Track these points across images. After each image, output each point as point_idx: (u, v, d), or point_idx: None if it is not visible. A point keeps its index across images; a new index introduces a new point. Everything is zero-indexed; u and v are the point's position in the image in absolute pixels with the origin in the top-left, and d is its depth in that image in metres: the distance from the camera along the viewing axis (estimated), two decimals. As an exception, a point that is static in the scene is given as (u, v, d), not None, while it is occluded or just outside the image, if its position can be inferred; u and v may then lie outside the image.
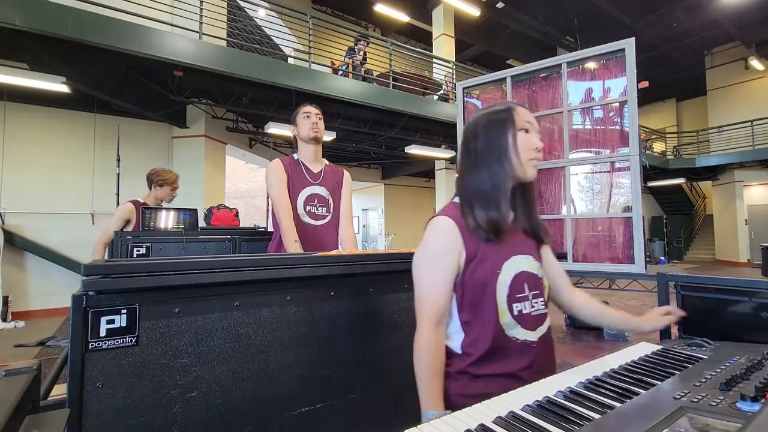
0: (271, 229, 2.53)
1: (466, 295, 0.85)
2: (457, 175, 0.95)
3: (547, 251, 1.02)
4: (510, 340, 0.84)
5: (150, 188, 3.19)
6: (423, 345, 0.83)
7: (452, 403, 0.83)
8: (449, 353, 0.87)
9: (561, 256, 3.69)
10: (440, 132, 7.22)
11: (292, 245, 1.68)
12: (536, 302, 0.89)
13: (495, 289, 0.84)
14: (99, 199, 5.65)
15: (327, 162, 1.98)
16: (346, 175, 2.02)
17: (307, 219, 1.83)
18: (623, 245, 3.40)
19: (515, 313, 0.85)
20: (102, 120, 5.75)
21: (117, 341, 0.83)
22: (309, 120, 1.88)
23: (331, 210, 1.90)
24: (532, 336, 0.87)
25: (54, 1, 3.57)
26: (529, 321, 0.87)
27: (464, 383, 0.84)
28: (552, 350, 0.95)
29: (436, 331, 0.84)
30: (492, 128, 0.89)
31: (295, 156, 1.91)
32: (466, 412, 0.64)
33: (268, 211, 1.87)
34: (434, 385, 0.81)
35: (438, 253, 0.85)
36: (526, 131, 0.88)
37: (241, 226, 4.45)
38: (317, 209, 1.86)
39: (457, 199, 0.94)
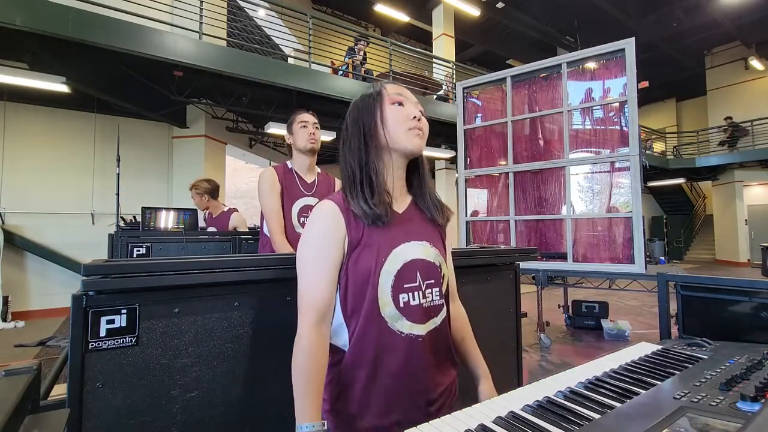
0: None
1: (349, 286, 0.78)
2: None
3: (448, 246, 0.95)
4: (394, 333, 0.77)
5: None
6: (300, 345, 0.75)
7: (334, 408, 0.80)
8: (334, 351, 0.81)
9: (561, 256, 3.69)
10: (440, 132, 7.22)
11: None
12: (430, 292, 0.82)
13: (378, 279, 0.77)
14: (99, 199, 5.65)
15: (319, 170, 1.97)
16: (338, 182, 2.03)
17: (301, 230, 1.83)
18: (623, 245, 3.40)
19: (401, 304, 0.78)
20: (102, 120, 5.75)
21: (117, 341, 0.83)
22: (306, 130, 1.83)
23: None
24: (420, 329, 0.79)
25: (54, 1, 3.57)
26: (417, 313, 0.79)
27: (345, 386, 0.79)
28: (446, 345, 0.86)
29: (318, 329, 0.76)
30: (362, 111, 0.87)
31: (289, 164, 1.90)
32: (466, 412, 0.64)
33: (263, 220, 1.85)
34: (311, 393, 0.73)
35: (319, 240, 0.79)
36: (399, 104, 0.85)
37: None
38: None
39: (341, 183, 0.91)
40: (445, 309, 0.86)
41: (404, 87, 0.90)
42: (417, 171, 0.92)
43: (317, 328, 0.76)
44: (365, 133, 0.84)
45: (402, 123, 0.83)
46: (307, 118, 1.86)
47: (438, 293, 0.84)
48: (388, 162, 0.85)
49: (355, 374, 0.78)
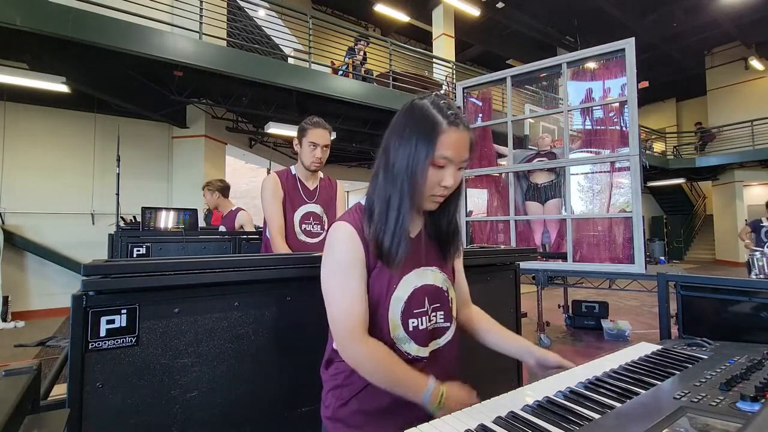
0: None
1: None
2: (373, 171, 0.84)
3: (458, 262, 0.95)
4: (402, 354, 0.79)
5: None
6: (367, 354, 0.74)
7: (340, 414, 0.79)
8: (338, 359, 0.82)
9: (561, 256, 3.69)
10: (440, 132, 7.22)
11: None
12: (435, 315, 0.83)
13: (388, 305, 0.78)
14: (99, 199, 5.65)
15: (322, 175, 1.97)
16: (340, 187, 2.04)
17: (303, 237, 1.85)
18: (623, 245, 3.40)
19: (410, 328, 0.80)
20: (102, 120, 5.75)
21: (117, 341, 0.83)
22: (313, 151, 1.81)
23: (325, 227, 1.91)
24: (424, 352, 0.81)
25: (54, 1, 3.57)
26: (422, 336, 0.81)
27: (348, 396, 0.80)
28: (447, 365, 0.86)
29: (369, 338, 0.76)
30: (412, 146, 0.75)
31: (293, 170, 1.90)
32: (466, 412, 0.64)
33: (266, 224, 1.88)
34: (407, 370, 0.74)
35: (349, 263, 0.77)
36: (441, 167, 0.75)
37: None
38: (312, 227, 1.88)
39: (363, 201, 0.85)
40: (450, 331, 0.87)
41: (464, 130, 0.76)
42: (448, 208, 0.85)
43: (368, 337, 0.76)
44: (409, 174, 0.75)
45: (431, 188, 0.77)
46: (319, 138, 1.81)
47: (443, 316, 0.85)
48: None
49: (359, 386, 0.79)
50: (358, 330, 0.75)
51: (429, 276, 0.84)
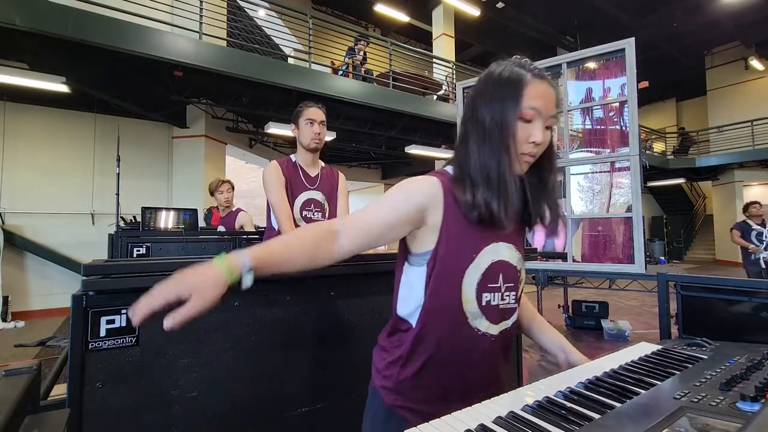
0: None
1: (435, 273, 0.75)
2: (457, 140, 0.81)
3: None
4: (471, 329, 0.77)
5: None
6: (328, 235, 0.73)
7: (395, 390, 0.78)
8: (403, 329, 0.80)
9: (561, 256, 3.69)
10: (440, 132, 7.22)
11: None
12: (507, 295, 0.81)
13: (465, 273, 0.75)
14: (99, 199, 5.65)
15: (323, 164, 1.96)
16: (341, 177, 2.01)
17: (303, 224, 1.83)
18: (623, 245, 3.40)
19: (483, 303, 0.77)
20: (102, 120, 5.75)
21: (117, 341, 0.83)
22: (311, 128, 1.82)
23: (327, 215, 1.89)
24: (494, 329, 0.79)
25: (54, 1, 3.57)
26: (495, 314, 0.79)
27: (412, 370, 0.78)
28: (509, 348, 0.87)
29: (350, 251, 0.74)
30: (498, 100, 0.74)
31: (293, 158, 1.89)
32: (466, 412, 0.64)
33: (269, 212, 1.86)
34: (271, 243, 0.70)
35: (409, 194, 0.75)
36: (529, 121, 0.73)
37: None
38: (313, 214, 1.85)
39: (449, 169, 0.82)
40: (517, 312, 0.86)
41: (549, 85, 0.75)
42: (543, 171, 0.81)
43: (351, 249, 0.74)
44: (500, 128, 0.73)
45: (520, 145, 0.74)
46: (314, 114, 1.82)
47: (514, 296, 0.83)
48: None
49: (422, 360, 0.78)
50: (359, 235, 0.74)
51: (505, 252, 0.80)
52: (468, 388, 0.78)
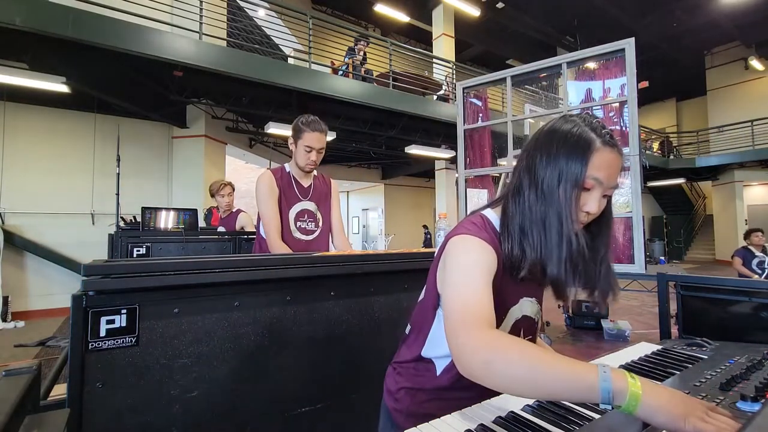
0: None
1: None
2: (506, 184, 0.79)
3: None
4: None
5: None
6: (503, 343, 0.56)
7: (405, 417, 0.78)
8: (424, 364, 0.80)
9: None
10: (440, 132, 7.22)
11: None
12: (531, 328, 0.85)
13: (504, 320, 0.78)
14: (99, 199, 5.65)
15: (316, 173, 1.97)
16: (334, 185, 2.03)
17: (298, 235, 1.84)
18: (623, 245, 3.40)
19: None
20: (102, 120, 5.75)
21: (117, 341, 0.83)
22: (308, 156, 1.81)
23: (320, 224, 1.91)
24: None
25: (54, 1, 3.57)
26: None
27: (425, 399, 0.79)
28: None
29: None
30: (565, 159, 0.68)
31: (287, 167, 1.90)
32: (465, 413, 0.64)
33: (260, 221, 1.86)
34: (559, 357, 0.53)
35: (482, 267, 0.68)
36: (587, 189, 0.69)
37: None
38: (307, 224, 1.88)
39: (490, 215, 0.77)
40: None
41: (618, 154, 0.69)
42: (596, 238, 0.75)
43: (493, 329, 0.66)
44: (563, 192, 0.68)
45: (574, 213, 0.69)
46: (314, 142, 1.79)
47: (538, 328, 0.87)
48: None
49: (438, 398, 0.78)
50: (487, 321, 0.62)
51: (527, 308, 0.81)
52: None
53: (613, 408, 0.49)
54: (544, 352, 0.54)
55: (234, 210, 3.55)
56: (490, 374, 0.54)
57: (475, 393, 0.69)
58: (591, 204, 0.69)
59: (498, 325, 0.72)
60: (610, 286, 0.76)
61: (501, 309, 0.73)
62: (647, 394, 0.49)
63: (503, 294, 0.73)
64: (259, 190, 1.80)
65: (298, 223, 1.85)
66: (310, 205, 1.89)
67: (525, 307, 0.79)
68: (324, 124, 1.85)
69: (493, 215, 0.78)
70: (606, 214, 0.75)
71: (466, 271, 0.67)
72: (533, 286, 0.81)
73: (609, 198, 0.72)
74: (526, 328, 0.81)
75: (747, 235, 4.90)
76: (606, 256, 0.76)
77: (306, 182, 1.91)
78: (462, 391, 0.76)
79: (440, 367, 0.79)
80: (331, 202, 1.97)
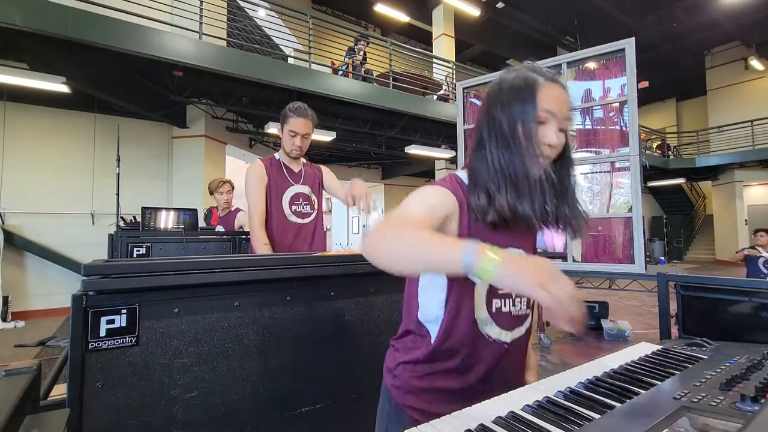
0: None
1: (455, 281, 0.76)
2: (469, 146, 0.81)
3: None
4: (482, 336, 0.78)
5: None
6: (397, 224, 0.66)
7: (403, 391, 0.79)
8: (420, 333, 0.81)
9: (561, 256, 3.69)
10: (440, 132, 7.22)
11: (262, 248, 1.73)
12: (519, 300, 0.82)
13: (475, 282, 0.75)
14: (99, 199, 5.65)
15: (305, 161, 1.98)
16: (326, 171, 2.03)
17: (294, 218, 1.85)
18: (623, 245, 3.40)
19: (493, 309, 0.78)
20: (102, 120, 5.75)
21: (117, 341, 0.83)
22: (292, 140, 1.83)
23: (315, 207, 1.93)
24: (506, 336, 0.80)
25: (54, 1, 3.57)
26: (506, 320, 0.80)
27: (422, 372, 0.79)
28: (524, 355, 0.88)
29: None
30: (514, 104, 0.74)
31: (276, 156, 1.92)
32: (465, 413, 0.64)
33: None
34: (437, 235, 0.63)
35: (435, 202, 0.73)
36: (542, 123, 0.74)
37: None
38: (303, 207, 1.89)
39: (461, 173, 0.82)
40: (529, 318, 0.86)
41: (562, 88, 0.76)
42: (560, 173, 0.79)
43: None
44: (522, 131, 0.73)
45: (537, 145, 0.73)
46: (298, 127, 1.82)
47: (525, 302, 0.84)
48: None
49: (434, 364, 0.79)
50: (404, 220, 0.68)
51: None
52: (478, 394, 0.78)
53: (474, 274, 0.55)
54: (420, 232, 0.62)
55: (233, 209, 3.55)
56: (376, 255, 0.63)
57: (460, 358, 0.77)
58: (550, 136, 0.74)
59: None
60: (578, 221, 0.81)
61: None
62: (504, 264, 0.54)
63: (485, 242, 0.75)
64: (248, 177, 1.82)
65: (294, 207, 1.86)
66: (304, 189, 1.91)
67: None
68: (311, 111, 1.86)
69: (464, 174, 0.82)
70: (566, 152, 0.79)
71: (408, 201, 0.73)
72: (521, 235, 0.82)
73: (566, 135, 0.77)
74: None
75: (754, 233, 5.01)
76: (571, 191, 0.81)
77: (296, 167, 1.93)
78: (449, 359, 0.77)
79: (434, 333, 0.79)
80: (331, 186, 1.97)
